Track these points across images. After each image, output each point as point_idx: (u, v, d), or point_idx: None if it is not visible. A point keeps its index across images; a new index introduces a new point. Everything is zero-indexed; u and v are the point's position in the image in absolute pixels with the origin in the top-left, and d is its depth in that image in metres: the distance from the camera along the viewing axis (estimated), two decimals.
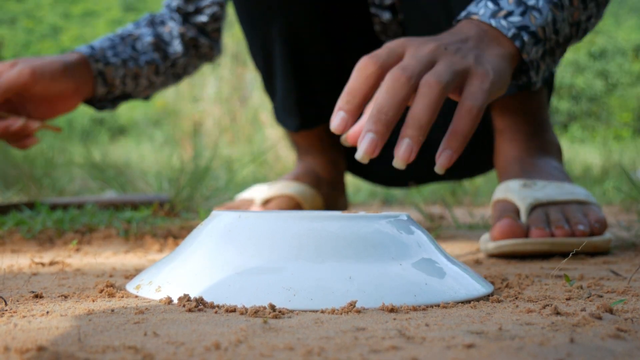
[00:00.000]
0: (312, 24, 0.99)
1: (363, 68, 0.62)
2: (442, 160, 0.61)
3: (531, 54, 0.69)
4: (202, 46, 1.15)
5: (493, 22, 0.68)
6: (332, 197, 1.12)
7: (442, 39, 0.65)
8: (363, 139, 0.60)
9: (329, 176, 1.12)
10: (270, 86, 1.08)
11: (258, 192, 1.06)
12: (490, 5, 0.69)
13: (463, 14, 0.70)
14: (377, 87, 0.62)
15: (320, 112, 1.06)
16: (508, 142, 0.90)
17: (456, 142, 0.61)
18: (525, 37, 0.68)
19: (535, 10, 0.69)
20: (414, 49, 0.63)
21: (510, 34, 0.68)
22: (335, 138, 1.14)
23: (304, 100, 1.05)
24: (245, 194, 1.08)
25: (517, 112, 0.89)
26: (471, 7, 0.70)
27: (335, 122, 0.62)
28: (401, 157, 0.60)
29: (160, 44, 1.10)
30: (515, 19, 0.68)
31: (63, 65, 0.95)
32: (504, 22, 0.68)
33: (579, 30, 0.75)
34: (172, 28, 1.12)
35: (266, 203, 1.04)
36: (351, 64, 1.05)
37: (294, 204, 1.04)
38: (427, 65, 0.62)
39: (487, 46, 0.66)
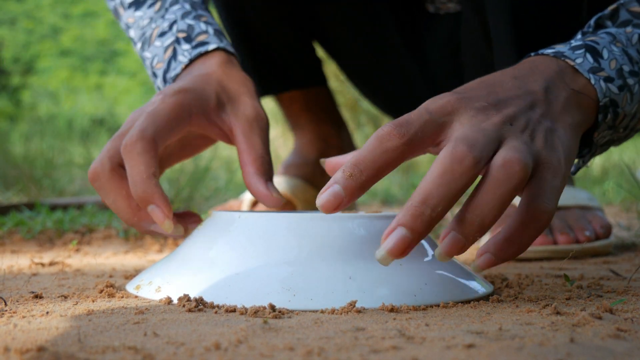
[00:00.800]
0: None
1: (384, 138, 0.46)
2: (481, 261, 0.47)
3: (599, 136, 0.57)
4: None
5: (593, 79, 0.54)
6: (326, 176, 1.09)
7: (506, 103, 0.49)
8: (393, 232, 0.44)
9: (319, 155, 1.07)
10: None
11: (248, 193, 1.06)
12: (590, 58, 0.55)
13: (550, 51, 0.56)
14: (395, 167, 0.47)
15: (280, 72, 1.02)
16: None
17: (512, 250, 0.47)
18: (609, 115, 0.55)
19: (629, 93, 0.56)
20: (469, 120, 0.47)
21: (602, 102, 0.54)
22: (328, 111, 1.10)
23: (260, 61, 1.01)
24: (242, 196, 1.08)
25: None
26: (563, 48, 0.56)
27: (325, 197, 0.45)
28: (446, 251, 0.45)
29: None
30: (613, 88, 0.55)
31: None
32: (603, 84, 0.54)
33: (628, 136, 0.61)
34: None
35: (255, 204, 1.03)
36: (323, 29, 1.03)
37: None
38: (494, 143, 0.46)
39: (562, 111, 0.51)
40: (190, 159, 1.55)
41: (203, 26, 0.68)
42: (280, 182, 1.04)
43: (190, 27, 0.67)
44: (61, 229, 0.97)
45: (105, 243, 0.93)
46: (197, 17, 0.68)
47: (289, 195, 1.03)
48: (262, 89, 1.03)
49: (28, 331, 0.40)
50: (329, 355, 0.35)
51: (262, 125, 0.63)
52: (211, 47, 0.66)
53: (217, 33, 0.68)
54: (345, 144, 1.11)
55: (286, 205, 1.02)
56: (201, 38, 0.67)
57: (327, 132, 1.09)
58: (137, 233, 0.96)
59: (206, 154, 2.10)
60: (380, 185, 2.48)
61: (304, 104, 1.06)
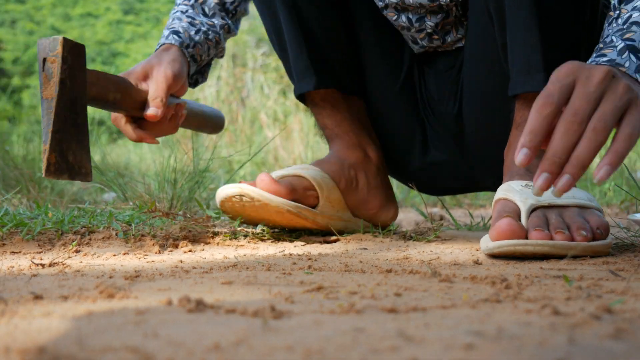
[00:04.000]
0: None
1: (541, 109, 0.68)
2: (602, 174, 0.66)
3: None
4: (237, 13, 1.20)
5: (639, 77, 0.73)
6: (358, 185, 1.09)
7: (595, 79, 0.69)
8: (539, 177, 0.67)
9: (356, 161, 1.09)
10: (286, 58, 1.09)
11: (275, 172, 1.04)
12: (634, 58, 0.74)
13: (603, 60, 0.74)
14: (554, 124, 0.68)
15: (333, 71, 1.06)
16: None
17: (616, 160, 0.67)
18: None
19: None
20: (582, 84, 0.68)
21: None
22: (367, 125, 1.11)
23: (316, 58, 1.05)
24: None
25: None
26: (614, 55, 0.74)
27: (520, 157, 0.67)
28: (560, 189, 0.67)
29: (222, 1, 1.16)
30: None
31: (179, 64, 1.04)
32: None
33: None
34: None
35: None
36: (360, 27, 1.09)
37: (308, 184, 1.02)
38: (595, 104, 0.68)
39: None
40: (189, 160, 1.55)
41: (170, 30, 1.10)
42: (310, 170, 1.03)
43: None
44: (61, 229, 0.98)
45: (104, 244, 0.93)
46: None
47: (315, 184, 1.01)
48: (318, 82, 1.05)
49: (28, 332, 0.40)
50: (329, 355, 0.35)
51: (162, 78, 1.00)
52: (161, 41, 1.09)
53: (171, 34, 1.08)
54: (379, 160, 1.12)
55: (309, 191, 1.01)
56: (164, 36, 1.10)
57: (366, 143, 1.11)
58: (137, 234, 0.96)
59: (205, 154, 2.10)
60: None
61: (346, 112, 1.09)
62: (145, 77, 1.01)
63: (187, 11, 1.13)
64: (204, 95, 3.96)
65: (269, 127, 3.59)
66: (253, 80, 4.09)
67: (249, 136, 3.67)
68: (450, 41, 1.07)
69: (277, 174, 1.02)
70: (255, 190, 0.95)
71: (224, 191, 0.97)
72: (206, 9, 1.14)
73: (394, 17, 1.05)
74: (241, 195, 0.95)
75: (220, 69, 4.08)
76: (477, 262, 0.78)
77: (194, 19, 1.11)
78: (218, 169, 2.54)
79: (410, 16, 1.04)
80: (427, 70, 1.11)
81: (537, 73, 0.87)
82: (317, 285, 0.59)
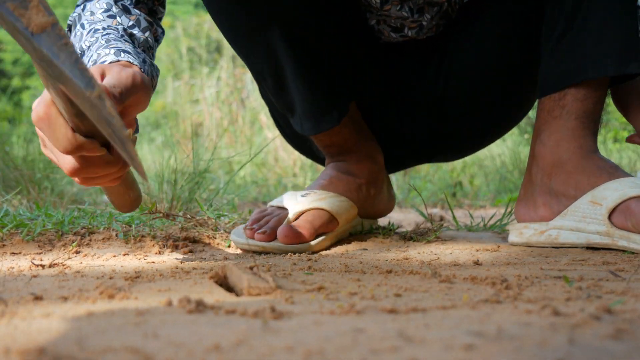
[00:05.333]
0: (309, 16, 0.96)
1: None
2: None
3: None
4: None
5: None
6: (371, 197, 1.09)
7: None
8: None
9: (369, 175, 1.08)
10: (285, 97, 1.01)
11: (292, 203, 1.00)
12: None
13: None
14: None
15: (347, 93, 1.03)
16: None
17: None
18: None
19: None
20: None
21: None
22: (364, 123, 1.10)
23: (332, 92, 1.01)
24: (278, 202, 1.02)
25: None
26: None
27: None
28: None
29: (148, 42, 0.95)
30: None
31: (148, 77, 0.82)
32: None
33: None
34: (137, 16, 0.95)
35: (299, 217, 0.98)
36: (356, 47, 1.07)
37: (328, 217, 0.99)
38: None
39: None
40: (189, 161, 1.55)
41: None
42: (328, 199, 1.01)
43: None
44: (61, 230, 0.98)
45: (104, 245, 0.93)
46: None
47: (335, 215, 0.99)
48: (341, 113, 1.01)
49: (28, 332, 0.40)
50: (329, 356, 0.35)
51: (129, 74, 0.72)
52: (108, 59, 0.82)
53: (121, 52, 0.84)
54: (383, 161, 1.12)
55: (330, 222, 0.99)
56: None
57: (373, 148, 1.10)
58: (137, 235, 0.97)
59: (205, 155, 2.10)
60: None
61: (350, 123, 1.06)
62: (102, 75, 0.73)
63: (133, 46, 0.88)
64: (204, 96, 3.96)
65: (269, 128, 3.59)
66: (253, 81, 4.09)
67: (248, 137, 3.67)
68: (425, 30, 1.08)
69: (295, 208, 0.98)
70: (280, 246, 0.93)
71: (245, 247, 0.93)
72: (136, 43, 0.92)
73: (398, 7, 1.05)
74: (264, 252, 0.93)
75: (220, 70, 4.08)
76: (477, 263, 0.78)
77: (139, 53, 0.88)
78: (218, 170, 2.54)
79: (412, 6, 1.04)
80: (396, 59, 1.10)
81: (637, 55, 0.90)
82: (317, 285, 0.59)
